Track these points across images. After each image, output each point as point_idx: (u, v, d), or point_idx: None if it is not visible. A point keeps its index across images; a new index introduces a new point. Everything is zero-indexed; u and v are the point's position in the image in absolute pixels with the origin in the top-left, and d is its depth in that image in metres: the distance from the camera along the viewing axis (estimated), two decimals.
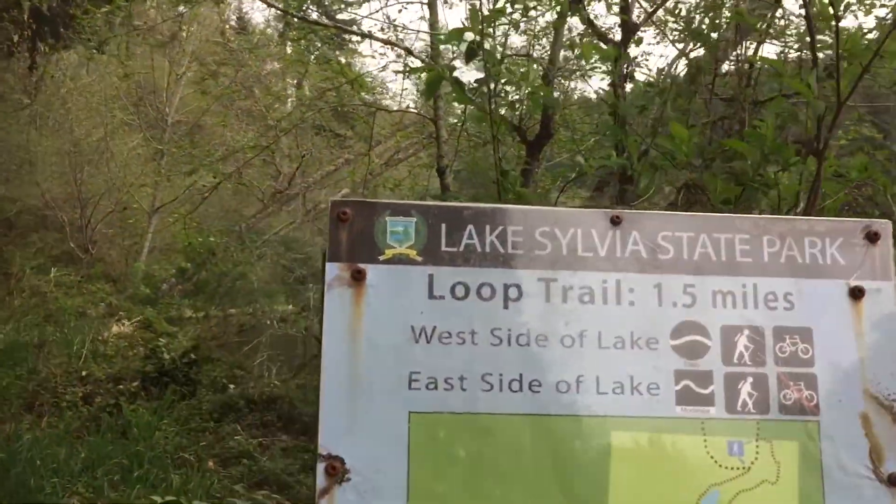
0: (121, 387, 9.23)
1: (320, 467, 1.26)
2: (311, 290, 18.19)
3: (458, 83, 3.38)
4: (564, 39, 10.04)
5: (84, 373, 10.01)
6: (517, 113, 9.23)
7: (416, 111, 12.22)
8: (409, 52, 8.99)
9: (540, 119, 8.77)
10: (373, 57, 17.11)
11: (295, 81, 25.21)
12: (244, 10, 29.42)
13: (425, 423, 1.30)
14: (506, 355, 1.35)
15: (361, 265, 1.36)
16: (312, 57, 21.59)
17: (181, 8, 15.73)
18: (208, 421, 8.88)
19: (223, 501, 5.59)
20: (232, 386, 9.39)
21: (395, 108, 11.90)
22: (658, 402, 1.36)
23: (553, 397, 1.34)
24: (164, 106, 21.49)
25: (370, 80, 13.46)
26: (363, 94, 13.79)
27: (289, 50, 23.94)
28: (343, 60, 22.58)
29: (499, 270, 1.39)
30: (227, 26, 25.82)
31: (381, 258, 1.37)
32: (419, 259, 1.38)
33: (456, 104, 11.62)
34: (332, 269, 1.35)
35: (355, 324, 1.33)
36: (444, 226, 1.38)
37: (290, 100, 25.26)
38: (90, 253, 17.23)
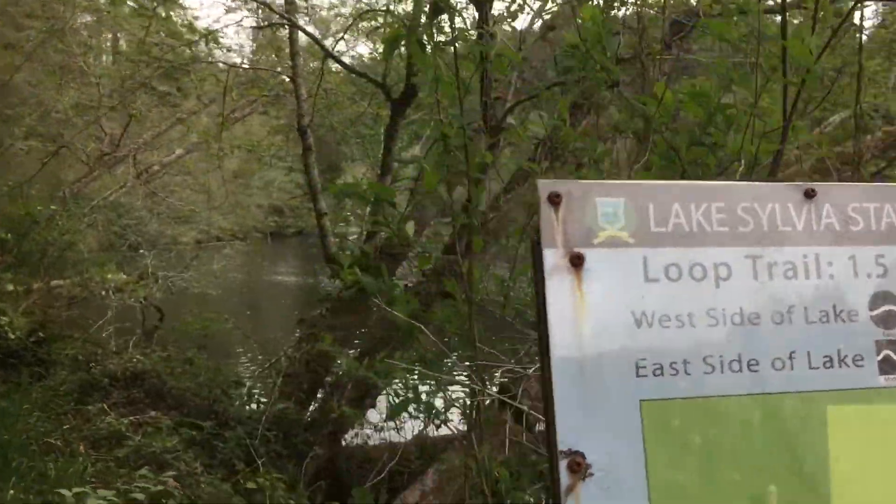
0: None
1: (563, 464, 1.18)
2: (148, 257, 17.34)
3: (420, 42, 3.25)
4: None
5: None
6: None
7: (271, 69, 11.75)
8: (268, 6, 8.58)
9: (405, 78, 8.61)
10: (231, 12, 16.20)
11: (111, 35, 23.74)
12: None
13: (657, 411, 1.25)
14: (723, 336, 1.32)
15: (578, 250, 1.28)
16: (126, 8, 20.33)
17: None
18: (69, 402, 8.31)
19: (130, 489, 5.26)
20: (91, 364, 8.82)
21: (250, 66, 11.37)
22: (864, 373, 1.38)
23: (771, 375, 1.32)
24: None
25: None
26: (206, 49, 13.06)
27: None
28: (162, 13, 21.40)
29: (707, 249, 1.35)
30: None
31: (596, 241, 1.29)
32: (631, 241, 1.31)
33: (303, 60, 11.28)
34: (550, 256, 1.26)
35: (579, 312, 1.25)
36: (651, 205, 1.32)
37: (104, 55, 23.76)
38: None
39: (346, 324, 9.10)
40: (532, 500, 3.49)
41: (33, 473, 6.85)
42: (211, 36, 9.77)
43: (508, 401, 3.53)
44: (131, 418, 7.88)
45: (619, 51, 5.61)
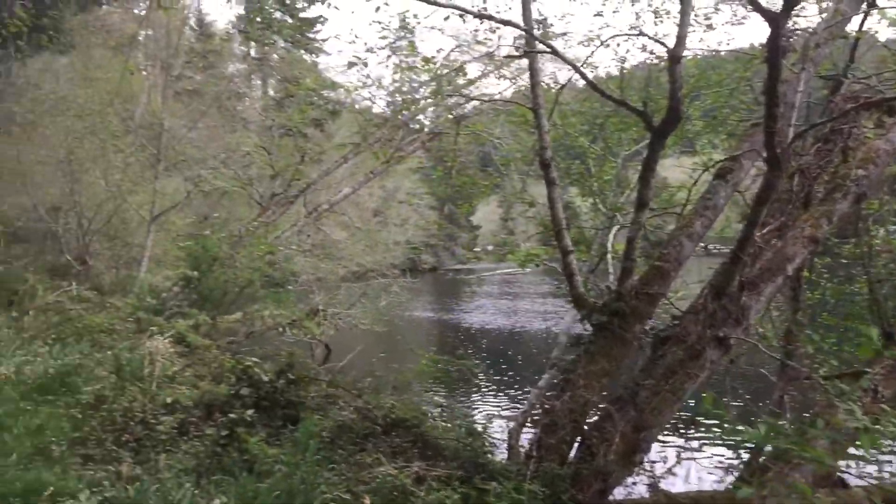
0: (233, 415, 7.71)
1: None
2: (318, 294, 16.72)
3: None
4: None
5: (169, 399, 8.45)
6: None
7: (513, 101, 10.85)
8: (529, 33, 7.68)
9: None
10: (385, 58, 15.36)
11: (260, 82, 23.58)
12: (205, 12, 27.32)
13: None
14: None
15: None
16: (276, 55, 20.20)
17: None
18: (332, 449, 7.53)
19: None
20: (351, 406, 8.05)
21: (489, 98, 10.40)
22: None
23: None
24: (132, 110, 19.41)
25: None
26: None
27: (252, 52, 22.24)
28: (309, 59, 21.16)
29: None
30: (188, 28, 23.77)
31: None
32: None
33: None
34: None
35: None
36: None
37: (257, 102, 23.51)
38: (87, 264, 15.25)
39: (606, 370, 8.21)
40: None
41: None
42: (461, 72, 8.98)
43: None
44: (413, 471, 7.07)
45: None
